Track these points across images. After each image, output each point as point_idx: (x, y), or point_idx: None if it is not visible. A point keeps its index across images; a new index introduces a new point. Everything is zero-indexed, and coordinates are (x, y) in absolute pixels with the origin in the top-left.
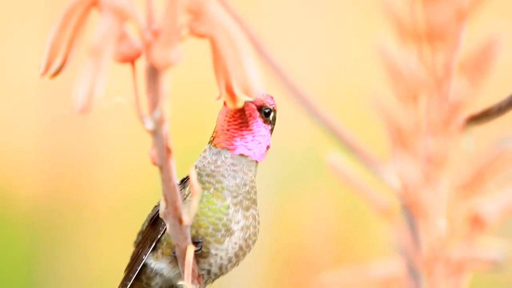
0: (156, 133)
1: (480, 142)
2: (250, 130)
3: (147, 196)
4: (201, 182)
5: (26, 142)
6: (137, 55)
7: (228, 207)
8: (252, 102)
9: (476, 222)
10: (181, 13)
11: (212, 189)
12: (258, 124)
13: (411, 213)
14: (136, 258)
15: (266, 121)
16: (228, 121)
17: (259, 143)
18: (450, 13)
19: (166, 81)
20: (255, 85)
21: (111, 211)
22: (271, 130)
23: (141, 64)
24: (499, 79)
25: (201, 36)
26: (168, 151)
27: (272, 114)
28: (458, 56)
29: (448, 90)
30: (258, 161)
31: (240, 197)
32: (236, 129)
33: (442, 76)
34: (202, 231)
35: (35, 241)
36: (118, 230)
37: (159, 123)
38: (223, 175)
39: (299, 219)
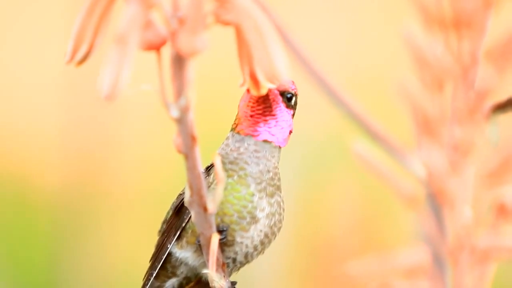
0: (181, 121)
1: (506, 131)
2: (274, 115)
3: (166, 187)
4: (224, 169)
5: (48, 133)
6: (163, 43)
7: (253, 194)
8: (275, 88)
9: (502, 211)
10: (206, 0)
11: (235, 176)
12: (281, 109)
13: (436, 201)
14: (161, 247)
15: (288, 106)
16: (252, 107)
17: (282, 128)
18: (477, 1)
19: (192, 68)
20: (281, 72)
21: (131, 202)
22: (293, 114)
23: (167, 52)
24: None
25: (226, 23)
26: (193, 139)
27: (294, 99)
28: (485, 44)
29: (474, 78)
30: (281, 146)
31: (264, 184)
32: (259, 114)
33: (468, 64)
34: (227, 219)
35: (56, 232)
36: (139, 221)
37: (184, 111)
38: (246, 162)
39: (323, 206)
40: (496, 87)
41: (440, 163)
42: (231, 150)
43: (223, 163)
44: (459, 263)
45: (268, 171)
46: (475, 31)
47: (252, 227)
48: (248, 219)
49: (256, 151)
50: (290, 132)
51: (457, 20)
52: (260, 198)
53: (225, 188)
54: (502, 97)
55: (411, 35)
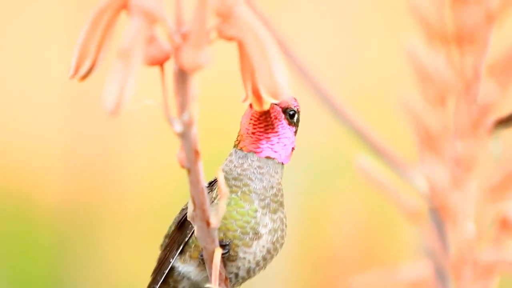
0: (184, 135)
1: (508, 146)
2: (276, 132)
3: (168, 201)
4: (228, 185)
5: (50, 147)
6: (166, 58)
7: (256, 210)
8: (277, 104)
9: (504, 225)
10: (210, 16)
11: (239, 192)
12: (283, 126)
13: (439, 215)
14: (163, 261)
15: (291, 123)
16: (254, 124)
17: (285, 145)
18: (479, 16)
19: (195, 83)
20: (283, 88)
21: (134, 216)
22: (295, 131)
23: (170, 67)
24: None
25: (229, 39)
26: (197, 153)
27: (296, 116)
28: (487, 58)
29: (477, 93)
30: (284, 163)
31: (267, 200)
32: (261, 131)
33: (471, 78)
34: (230, 234)
35: (58, 246)
36: (140, 235)
37: (187, 125)
38: (250, 178)
39: (326, 221)
40: (498, 102)
41: (442, 177)
42: (234, 166)
43: (227, 179)
44: (462, 277)
45: (272, 187)
46: (477, 46)
47: (255, 243)
48: (251, 235)
49: (259, 167)
50: (293, 149)
51: (459, 35)
52: (263, 214)
53: (229, 204)
54: (504, 112)
55: (414, 50)
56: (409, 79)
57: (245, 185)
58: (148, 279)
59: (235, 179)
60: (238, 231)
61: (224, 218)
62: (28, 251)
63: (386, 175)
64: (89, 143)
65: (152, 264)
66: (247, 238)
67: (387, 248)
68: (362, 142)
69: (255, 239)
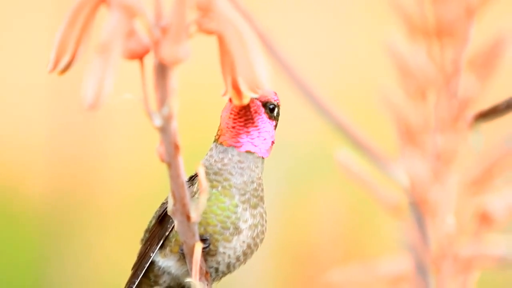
0: (164, 129)
1: (489, 139)
2: (256, 126)
3: (153, 195)
4: (208, 180)
5: (34, 141)
6: (146, 52)
7: (237, 206)
8: (257, 99)
9: (485, 219)
10: (189, 9)
11: (220, 187)
12: (263, 120)
13: (419, 210)
14: (143, 255)
15: (271, 117)
16: (234, 118)
17: (265, 139)
18: (459, 10)
19: (174, 77)
20: (264, 82)
21: (119, 210)
22: (275, 126)
23: (150, 61)
24: (508, 75)
25: (209, 32)
26: (176, 147)
27: (276, 110)
28: (467, 52)
29: (457, 87)
30: (264, 157)
31: (247, 195)
32: (241, 126)
33: (451, 73)
34: (210, 229)
35: (43, 239)
36: (125, 229)
37: (167, 119)
38: (230, 173)
39: (307, 215)
40: (478, 95)
41: (423, 171)
42: (215, 161)
43: (208, 173)
44: (442, 272)
45: (252, 182)
46: (457, 40)
47: (235, 238)
48: (231, 230)
49: (240, 161)
50: (273, 143)
51: (440, 29)
52: (244, 209)
53: (209, 199)
54: (484, 105)
55: (394, 44)
56: (390, 74)
57: (226, 180)
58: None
59: (215, 173)
60: (219, 226)
61: (205, 212)
62: (13, 245)
63: (366, 169)
64: (73, 136)
65: (135, 258)
66: (228, 233)
67: (368, 243)
68: (343, 136)
69: (236, 234)
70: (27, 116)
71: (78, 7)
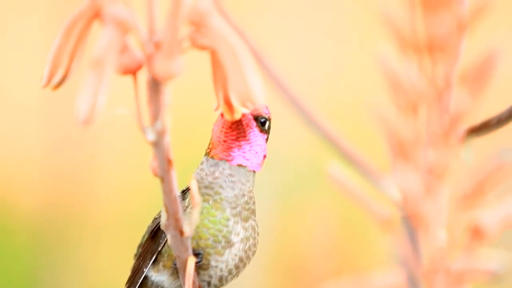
0: (157, 144)
1: (480, 154)
2: (248, 140)
3: (146, 210)
4: (200, 194)
5: (28, 156)
6: (139, 67)
7: (228, 219)
8: (248, 113)
9: (476, 234)
10: (182, 25)
11: (211, 200)
12: (255, 134)
13: (411, 224)
14: (137, 271)
15: (262, 131)
16: (225, 132)
17: (256, 152)
18: (451, 25)
19: (167, 93)
20: (256, 96)
21: (112, 225)
22: (267, 139)
23: (143, 76)
24: (499, 90)
25: (202, 47)
26: (169, 162)
27: (267, 123)
28: (459, 67)
29: (449, 101)
30: (255, 171)
31: (239, 208)
32: (233, 139)
33: (443, 87)
34: (202, 243)
35: (35, 253)
36: (118, 244)
37: (160, 134)
38: (221, 187)
39: (299, 229)
40: (470, 110)
41: (414, 186)
42: (206, 174)
43: (199, 187)
44: (434, 286)
45: (243, 195)
46: (449, 55)
47: (227, 251)
48: (223, 243)
49: (231, 175)
50: (264, 156)
51: (431, 44)
52: (235, 222)
53: (201, 212)
54: (476, 120)
55: (386, 59)
56: (382, 88)
57: (217, 193)
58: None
59: (206, 187)
60: (211, 239)
61: (196, 226)
62: (5, 258)
63: (358, 184)
64: (67, 150)
65: (128, 273)
66: (219, 246)
67: (360, 257)
68: (335, 150)
69: (227, 247)
70: (20, 131)
71: (72, 23)
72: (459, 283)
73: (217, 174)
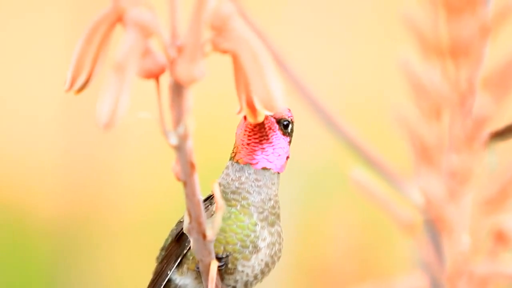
0: (180, 148)
1: (504, 158)
2: (271, 143)
3: (164, 216)
4: (226, 199)
5: (46, 163)
6: (161, 71)
7: (256, 224)
8: (271, 115)
9: (500, 238)
10: (204, 29)
11: (238, 206)
12: (277, 137)
13: (434, 228)
14: (160, 273)
15: (285, 133)
16: (248, 135)
17: (279, 155)
18: (474, 29)
19: (190, 96)
20: (278, 100)
21: (130, 231)
22: (290, 142)
23: (165, 80)
24: None
25: (224, 52)
26: (192, 166)
27: (290, 126)
28: (482, 71)
29: (472, 105)
30: (279, 172)
31: (265, 213)
32: (256, 142)
33: (466, 91)
34: (229, 248)
35: (54, 260)
36: (136, 249)
37: (183, 138)
38: (248, 192)
39: (321, 233)
40: (493, 114)
41: (438, 190)
42: (232, 179)
43: (225, 192)
44: None
45: (270, 199)
46: (472, 59)
47: (254, 256)
48: (250, 248)
49: (257, 179)
50: (287, 158)
51: (454, 48)
52: (262, 227)
53: (229, 218)
54: (500, 124)
55: (408, 63)
56: (404, 92)
57: (244, 198)
58: None
59: (233, 192)
60: (238, 244)
61: (224, 231)
62: (24, 266)
63: (381, 188)
64: (85, 156)
65: (147, 277)
66: (247, 251)
67: (383, 261)
68: (357, 155)
69: (254, 252)
70: (38, 135)
71: (94, 26)
72: (482, 287)
73: (243, 179)
